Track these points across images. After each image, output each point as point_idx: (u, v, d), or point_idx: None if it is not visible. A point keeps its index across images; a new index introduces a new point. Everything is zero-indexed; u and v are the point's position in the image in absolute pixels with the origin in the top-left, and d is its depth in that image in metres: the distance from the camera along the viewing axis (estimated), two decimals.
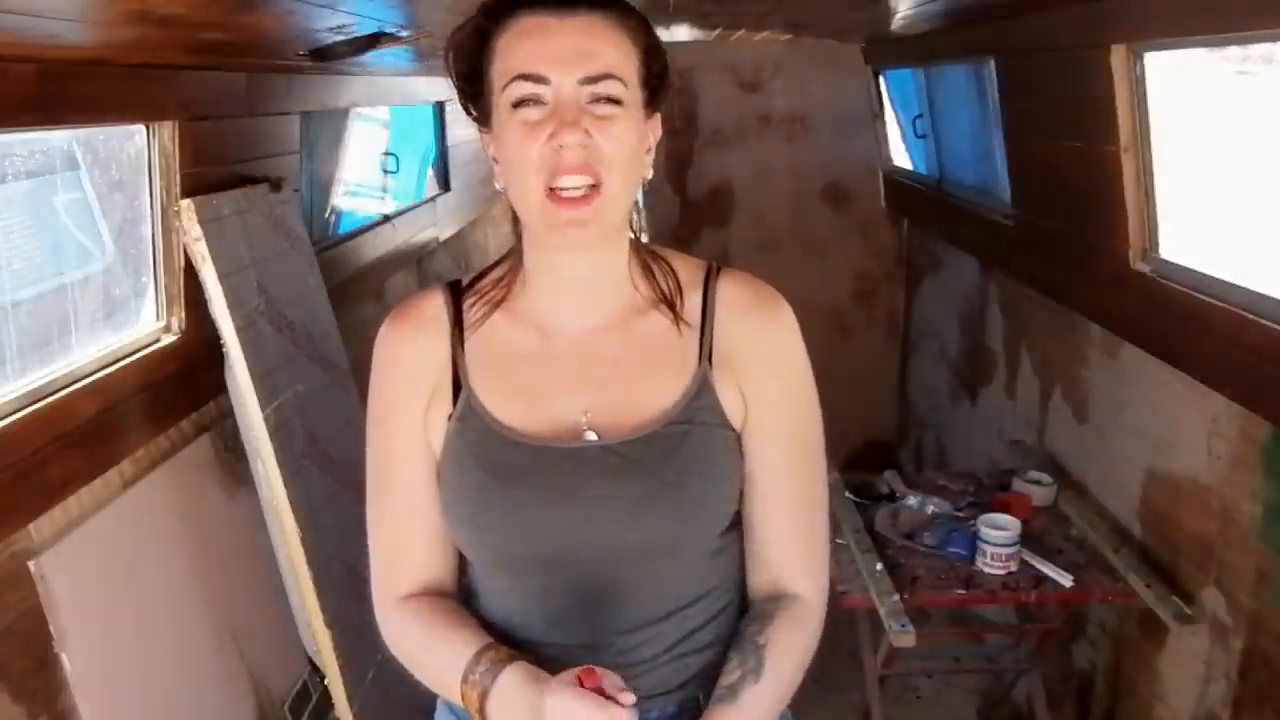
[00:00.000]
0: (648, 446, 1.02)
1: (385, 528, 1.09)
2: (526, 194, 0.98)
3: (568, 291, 1.06)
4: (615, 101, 0.97)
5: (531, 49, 0.96)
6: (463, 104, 1.04)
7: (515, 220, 1.05)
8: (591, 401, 1.04)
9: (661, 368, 1.05)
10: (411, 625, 1.06)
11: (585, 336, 1.06)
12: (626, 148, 0.97)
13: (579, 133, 0.95)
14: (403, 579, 1.08)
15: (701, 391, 1.04)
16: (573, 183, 0.96)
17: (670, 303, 1.06)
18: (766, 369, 1.06)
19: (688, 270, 1.09)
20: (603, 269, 1.06)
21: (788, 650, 1.05)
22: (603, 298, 1.06)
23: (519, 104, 0.96)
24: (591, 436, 1.03)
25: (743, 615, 1.11)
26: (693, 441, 1.02)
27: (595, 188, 0.96)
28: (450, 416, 1.05)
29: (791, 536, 1.08)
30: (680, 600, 1.06)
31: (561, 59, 0.96)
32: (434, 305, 1.09)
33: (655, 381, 1.05)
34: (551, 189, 0.96)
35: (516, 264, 1.08)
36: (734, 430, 1.05)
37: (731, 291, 1.08)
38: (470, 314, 1.08)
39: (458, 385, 1.05)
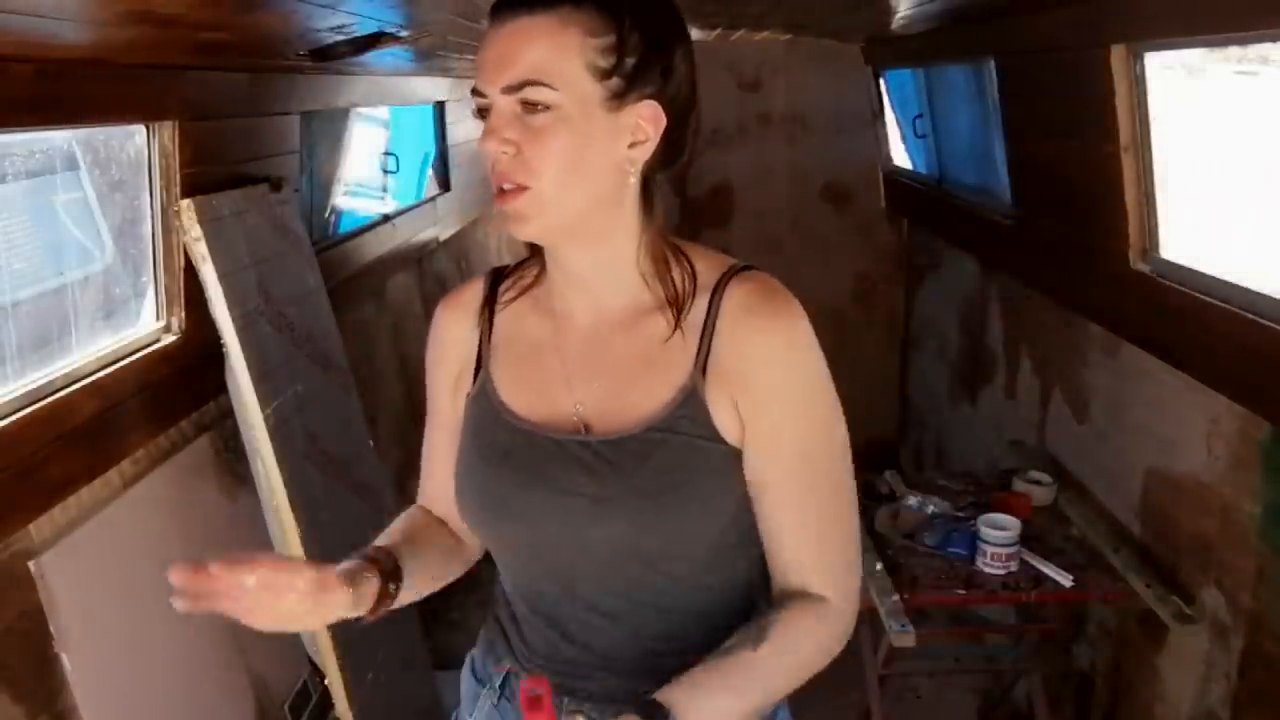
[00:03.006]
0: (621, 450, 1.01)
1: (423, 455, 1.24)
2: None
3: (573, 285, 1.07)
4: (545, 107, 0.94)
5: (478, 62, 0.98)
6: None
7: None
8: (585, 394, 1.05)
9: (657, 371, 1.03)
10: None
11: (593, 330, 1.07)
12: (559, 156, 0.95)
13: (496, 141, 0.95)
14: (422, 493, 1.25)
15: (687, 401, 1.01)
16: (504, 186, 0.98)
17: (676, 306, 1.03)
18: (764, 384, 1.01)
19: (707, 271, 1.05)
20: (602, 265, 1.04)
21: (798, 631, 1.01)
22: (607, 293, 1.06)
23: (479, 116, 0.99)
24: (583, 430, 1.04)
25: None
26: (669, 451, 1.00)
27: (524, 188, 0.96)
28: (469, 395, 1.12)
29: (805, 550, 1.04)
30: (658, 605, 1.06)
31: (486, 70, 0.96)
32: (474, 291, 1.16)
33: (648, 384, 1.03)
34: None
35: (542, 254, 1.11)
36: (725, 444, 1.01)
37: (739, 299, 1.02)
38: (501, 300, 1.13)
39: (480, 367, 1.11)
